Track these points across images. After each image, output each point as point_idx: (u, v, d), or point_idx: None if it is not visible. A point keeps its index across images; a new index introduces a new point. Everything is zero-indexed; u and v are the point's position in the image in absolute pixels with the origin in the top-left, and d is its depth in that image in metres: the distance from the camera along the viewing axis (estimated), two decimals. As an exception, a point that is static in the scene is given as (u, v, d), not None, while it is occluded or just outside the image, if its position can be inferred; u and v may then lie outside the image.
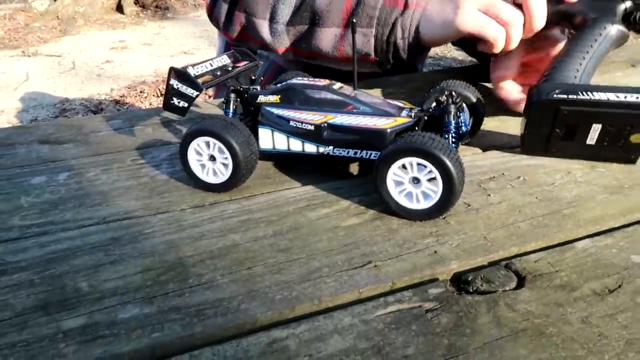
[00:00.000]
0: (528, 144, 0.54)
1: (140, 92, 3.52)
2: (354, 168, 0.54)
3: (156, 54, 4.62)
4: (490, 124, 0.65)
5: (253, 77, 0.60)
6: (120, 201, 0.49)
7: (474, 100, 0.55)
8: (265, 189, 0.51)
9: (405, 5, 0.68)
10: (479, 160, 0.56)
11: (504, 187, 0.49)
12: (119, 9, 6.04)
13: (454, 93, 0.51)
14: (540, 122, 0.52)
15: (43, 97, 3.57)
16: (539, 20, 0.59)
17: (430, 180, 0.42)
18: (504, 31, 0.61)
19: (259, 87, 0.56)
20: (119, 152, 0.61)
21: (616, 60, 0.94)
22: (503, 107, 0.71)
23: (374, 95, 0.54)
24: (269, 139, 0.52)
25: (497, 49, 0.62)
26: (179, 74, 0.51)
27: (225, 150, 0.47)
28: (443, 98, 0.49)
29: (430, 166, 0.41)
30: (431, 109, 0.50)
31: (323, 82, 0.53)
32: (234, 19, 0.80)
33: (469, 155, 0.57)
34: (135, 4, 5.87)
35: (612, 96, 0.49)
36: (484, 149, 0.58)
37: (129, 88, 3.64)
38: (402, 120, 0.48)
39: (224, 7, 0.80)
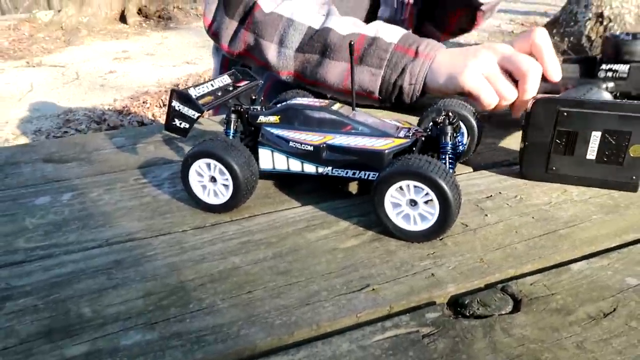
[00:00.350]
0: (527, 161, 0.54)
1: (143, 102, 3.55)
2: (353, 187, 0.55)
3: (159, 63, 4.66)
4: (488, 140, 0.66)
5: (254, 97, 0.60)
6: (123, 222, 0.50)
7: (471, 119, 0.56)
8: (265, 208, 0.52)
9: (416, 54, 0.71)
10: (476, 178, 0.56)
11: (500, 206, 0.50)
12: (122, 19, 6.09)
13: (450, 114, 0.52)
14: (540, 128, 0.52)
15: (47, 107, 3.60)
16: (529, 97, 0.63)
17: (427, 202, 0.42)
18: (497, 100, 0.65)
19: (259, 107, 0.57)
20: (122, 170, 0.62)
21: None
22: (501, 125, 0.72)
23: (372, 115, 0.55)
24: (269, 159, 0.53)
25: (485, 109, 0.67)
26: (181, 95, 0.52)
27: (225, 171, 0.48)
28: (440, 119, 0.49)
29: (427, 189, 0.41)
30: (428, 129, 0.51)
31: (322, 102, 0.54)
32: (240, 36, 0.81)
33: (466, 173, 0.58)
34: (139, 14, 5.92)
35: (611, 100, 0.50)
36: (481, 167, 0.59)
37: (132, 98, 3.67)
38: (400, 141, 0.49)
39: (230, 24, 0.82)
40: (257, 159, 0.53)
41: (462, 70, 0.66)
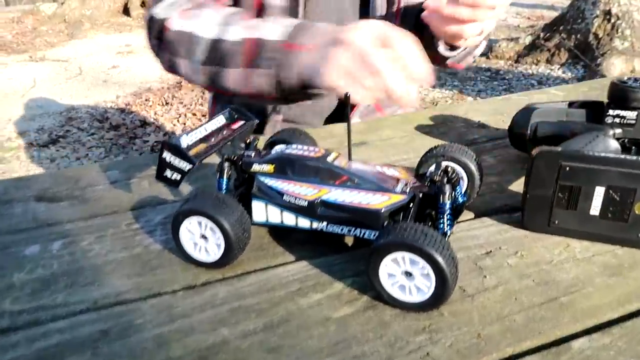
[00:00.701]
0: (529, 213, 0.53)
1: (146, 100, 3.53)
2: (350, 238, 0.54)
3: (162, 58, 4.63)
4: (490, 179, 0.64)
5: (248, 141, 0.59)
6: (112, 279, 0.49)
7: (472, 166, 0.54)
8: (258, 263, 0.50)
9: (299, 48, 0.70)
10: (475, 228, 0.55)
11: (500, 265, 0.49)
12: (125, 11, 6.06)
13: (449, 168, 0.50)
14: (541, 180, 0.50)
15: (49, 104, 3.59)
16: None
17: (423, 274, 0.41)
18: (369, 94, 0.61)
19: (252, 153, 0.55)
20: (114, 212, 0.61)
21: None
22: (503, 160, 0.70)
23: (369, 164, 0.53)
24: (262, 212, 0.52)
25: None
26: (171, 147, 0.50)
27: (217, 230, 0.47)
28: (438, 176, 0.48)
29: (422, 262, 0.40)
30: (427, 184, 0.49)
31: (317, 152, 0.52)
32: (162, 56, 0.85)
33: (467, 221, 0.56)
34: (142, 6, 5.87)
35: (615, 155, 0.48)
36: (481, 214, 0.58)
37: (135, 95, 3.65)
38: (397, 197, 0.48)
39: (156, 46, 0.85)
40: (249, 211, 0.52)
41: (325, 68, 0.64)
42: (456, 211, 0.48)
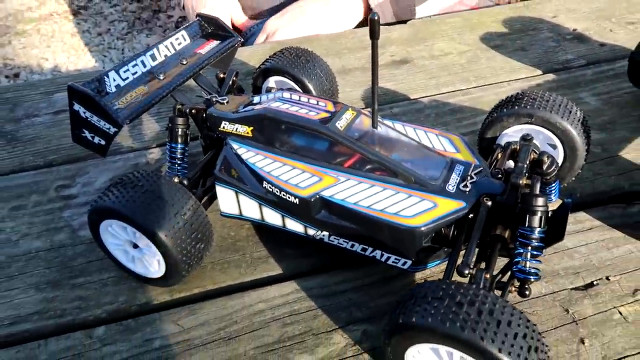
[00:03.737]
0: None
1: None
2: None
3: None
4: (592, 136, 0.42)
5: (223, 75, 0.38)
6: (13, 290, 0.33)
7: (576, 137, 0.33)
8: (225, 278, 0.33)
9: None
10: (567, 234, 0.34)
11: (608, 318, 0.30)
12: None
13: (545, 159, 0.29)
14: None
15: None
16: None
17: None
18: None
19: (226, 100, 0.35)
20: (48, 165, 0.44)
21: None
22: (611, 114, 0.47)
23: (405, 129, 0.33)
24: (232, 202, 0.33)
25: None
26: (84, 99, 0.31)
27: (150, 244, 0.29)
28: (524, 179, 0.27)
29: (484, 369, 0.22)
30: (499, 176, 0.29)
31: (321, 111, 0.32)
32: None
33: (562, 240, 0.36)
34: None
35: None
36: (578, 204, 0.37)
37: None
38: (449, 205, 0.28)
39: None
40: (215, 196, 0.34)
41: None
42: (550, 228, 0.28)
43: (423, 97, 0.50)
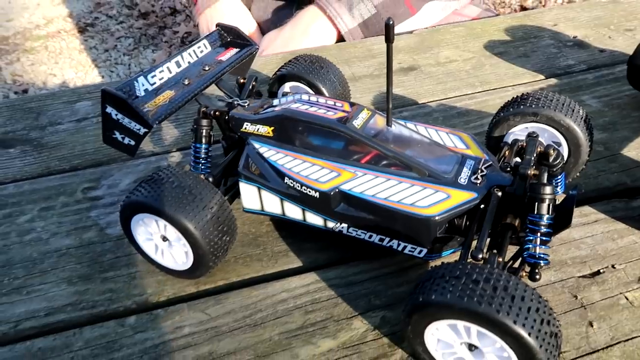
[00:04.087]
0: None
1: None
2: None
3: None
4: (596, 137, 0.44)
5: (242, 80, 0.41)
6: (46, 284, 0.35)
7: (580, 134, 0.35)
8: (248, 270, 0.35)
9: None
10: (574, 227, 0.36)
11: (615, 303, 0.31)
12: None
13: (551, 152, 0.31)
14: None
15: (78, -13, 3.37)
16: None
17: (499, 356, 0.24)
18: None
19: (247, 103, 0.37)
20: (73, 169, 0.46)
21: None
22: (612, 115, 0.49)
23: (417, 128, 0.35)
24: (254, 198, 0.35)
25: None
26: (117, 101, 0.33)
27: (181, 236, 0.31)
28: (532, 170, 0.29)
29: (500, 342, 0.23)
30: (508, 170, 0.31)
31: (338, 111, 0.34)
32: None
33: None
34: None
35: None
36: (583, 199, 0.39)
37: (167, -23, 3.35)
38: (461, 196, 0.30)
39: None
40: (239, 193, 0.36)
41: None
42: (558, 215, 0.30)
43: (431, 101, 0.52)
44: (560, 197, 0.30)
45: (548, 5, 1.77)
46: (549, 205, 0.28)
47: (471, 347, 0.25)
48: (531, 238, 0.28)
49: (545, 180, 0.30)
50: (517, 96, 0.37)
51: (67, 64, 2.64)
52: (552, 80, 0.54)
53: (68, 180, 0.45)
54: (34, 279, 0.36)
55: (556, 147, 0.32)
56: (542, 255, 0.28)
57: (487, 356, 0.25)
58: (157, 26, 2.84)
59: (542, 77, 0.55)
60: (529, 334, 0.22)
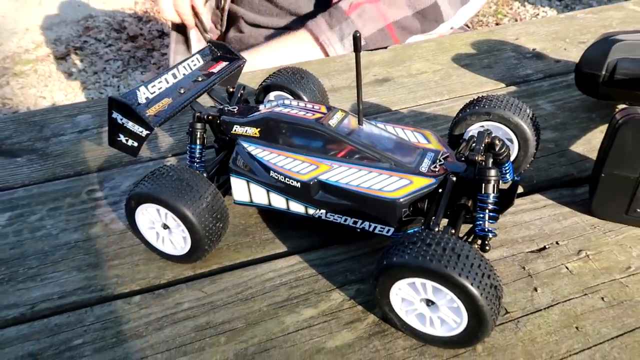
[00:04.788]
0: (601, 196, 0.39)
1: (164, 7, 3.32)
2: (359, 220, 0.42)
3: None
4: (546, 135, 0.50)
5: (232, 89, 0.46)
6: (58, 272, 0.39)
7: (527, 130, 0.40)
8: (239, 255, 0.40)
9: None
10: (524, 211, 0.42)
11: (557, 272, 0.36)
12: None
13: (497, 141, 0.36)
14: (627, 156, 0.36)
15: (67, 12, 3.42)
16: None
17: (451, 308, 0.29)
18: None
19: (236, 109, 0.42)
20: (77, 175, 0.50)
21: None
22: (564, 117, 0.54)
23: (385, 127, 0.40)
24: (244, 190, 0.40)
25: None
26: (122, 107, 0.38)
27: (180, 222, 0.36)
28: (480, 155, 0.34)
29: (450, 294, 0.28)
30: (462, 160, 0.36)
31: (316, 113, 0.39)
32: None
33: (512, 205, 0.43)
34: None
35: None
36: (533, 188, 0.44)
37: (153, 0, 3.43)
38: (422, 181, 0.35)
39: None
40: (230, 187, 0.40)
41: None
42: (504, 198, 0.35)
43: (403, 108, 0.57)
44: (507, 184, 0.36)
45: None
46: (494, 185, 0.33)
47: (428, 303, 0.30)
48: (481, 215, 0.33)
49: (490, 165, 0.35)
50: (473, 99, 0.43)
51: (56, 87, 2.67)
52: (512, 88, 0.60)
53: (73, 183, 0.49)
54: (46, 268, 0.40)
55: (501, 138, 0.37)
56: (490, 229, 0.33)
57: (441, 309, 0.29)
58: (145, 49, 2.90)
59: (503, 85, 0.60)
60: (472, 284, 0.27)
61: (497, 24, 2.41)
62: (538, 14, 2.78)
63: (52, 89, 2.60)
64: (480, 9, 0.85)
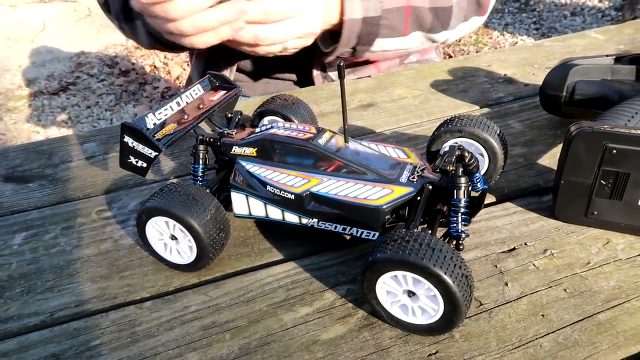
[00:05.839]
0: (562, 202, 0.44)
1: (155, 42, 3.40)
2: (348, 230, 0.46)
3: (172, -4, 4.42)
4: (516, 151, 0.55)
5: (230, 114, 0.50)
6: (74, 283, 0.43)
7: (495, 144, 0.45)
8: (240, 263, 0.43)
9: None
10: (496, 217, 0.46)
11: (525, 269, 0.41)
12: (133, -55, 5.76)
13: (466, 153, 0.41)
14: (580, 165, 0.41)
15: (59, 49, 3.50)
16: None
17: (429, 296, 0.33)
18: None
19: (234, 132, 0.47)
20: (87, 197, 0.54)
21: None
22: (533, 127, 0.60)
23: (369, 144, 0.45)
24: (243, 204, 0.44)
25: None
26: (133, 131, 0.42)
27: (187, 232, 0.40)
28: (451, 165, 0.39)
29: (427, 284, 0.32)
30: (437, 170, 0.40)
31: (308, 132, 0.44)
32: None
33: (484, 209, 0.48)
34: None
35: None
36: (504, 197, 0.49)
37: (145, 37, 3.52)
38: (401, 190, 0.39)
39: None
40: (230, 202, 0.45)
41: None
42: (474, 204, 0.40)
43: (386, 130, 0.62)
44: (477, 193, 0.40)
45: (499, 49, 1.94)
46: (464, 191, 0.38)
47: (410, 294, 0.34)
48: (454, 218, 0.38)
49: (460, 174, 0.39)
50: (447, 119, 0.48)
51: (49, 121, 2.71)
52: (485, 110, 0.65)
53: (83, 205, 0.53)
54: (62, 280, 0.43)
55: (470, 151, 0.42)
56: (463, 230, 0.38)
57: (421, 298, 0.33)
58: (137, 82, 2.96)
59: (477, 107, 0.66)
60: (445, 273, 0.31)
61: (477, 52, 2.52)
62: (517, 42, 2.90)
63: (46, 123, 2.64)
64: (474, 30, 0.89)
